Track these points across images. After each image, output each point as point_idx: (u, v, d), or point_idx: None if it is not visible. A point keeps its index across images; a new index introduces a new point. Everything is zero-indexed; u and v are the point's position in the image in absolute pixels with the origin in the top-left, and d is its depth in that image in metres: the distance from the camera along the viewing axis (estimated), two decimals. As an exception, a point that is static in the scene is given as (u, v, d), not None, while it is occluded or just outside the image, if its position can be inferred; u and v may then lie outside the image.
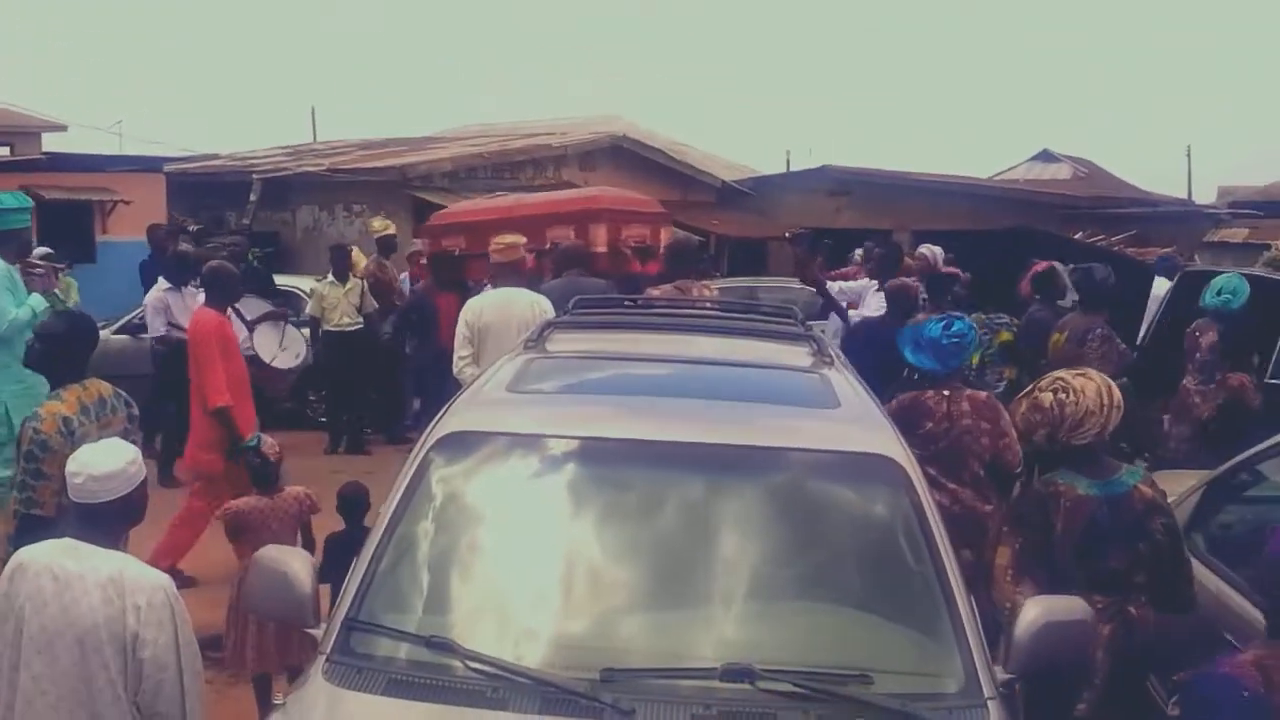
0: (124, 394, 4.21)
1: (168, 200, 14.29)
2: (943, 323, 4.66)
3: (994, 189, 20.56)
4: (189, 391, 6.42)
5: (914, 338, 4.71)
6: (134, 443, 3.47)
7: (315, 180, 15.55)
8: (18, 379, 5.96)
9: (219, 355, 6.18)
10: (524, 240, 7.37)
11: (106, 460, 2.97)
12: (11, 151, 18.39)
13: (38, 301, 6.50)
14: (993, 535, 3.80)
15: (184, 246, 9.68)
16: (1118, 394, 3.61)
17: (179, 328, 8.12)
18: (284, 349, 8.09)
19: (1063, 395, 3.58)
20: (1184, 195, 25.91)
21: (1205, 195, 26.33)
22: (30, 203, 7.24)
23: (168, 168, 15.51)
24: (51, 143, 20.73)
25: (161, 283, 8.58)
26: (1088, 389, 3.58)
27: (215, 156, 19.47)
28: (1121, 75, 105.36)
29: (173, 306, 8.39)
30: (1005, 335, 6.54)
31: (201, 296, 7.84)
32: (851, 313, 7.86)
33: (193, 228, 9.86)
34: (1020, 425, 3.72)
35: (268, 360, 7.82)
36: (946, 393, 4.61)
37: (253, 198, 15.40)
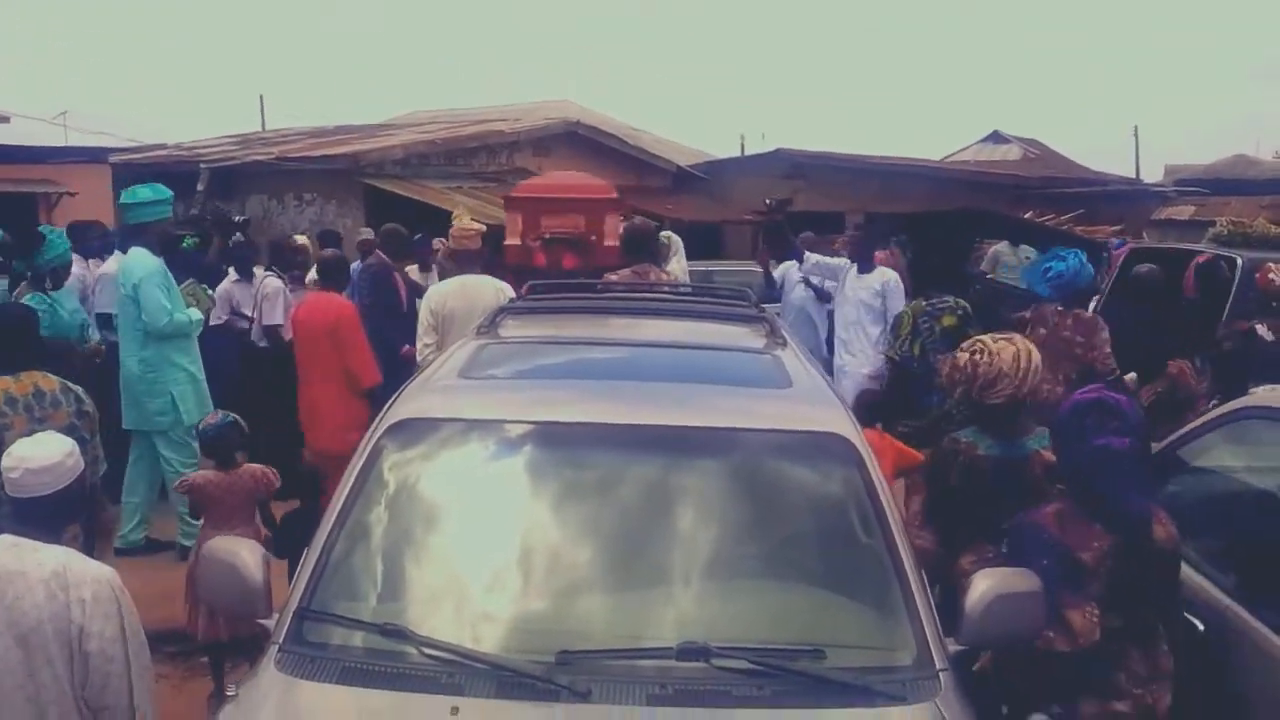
0: (76, 390, 4.15)
1: (114, 192, 14.07)
2: (1048, 265, 6.23)
3: (946, 170, 20.74)
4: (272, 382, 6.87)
5: (1032, 274, 6.34)
6: (84, 439, 3.43)
7: (265, 169, 15.37)
8: (184, 370, 6.58)
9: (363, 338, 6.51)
10: (485, 229, 7.35)
11: (43, 453, 2.92)
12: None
13: (196, 315, 6.87)
14: (912, 483, 3.99)
15: (237, 237, 9.37)
16: (1036, 359, 3.73)
17: (244, 317, 8.25)
18: None
19: (978, 356, 3.73)
20: (1132, 174, 26.26)
21: (1153, 174, 26.72)
22: (169, 194, 7.02)
23: (114, 158, 15.28)
24: (-7, 134, 20.32)
25: (231, 274, 8.52)
26: (1004, 352, 3.70)
27: (162, 146, 19.15)
28: (1070, 56, 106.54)
29: (238, 297, 8.38)
30: (949, 320, 6.55)
31: (265, 283, 8.10)
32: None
33: (239, 218, 9.62)
34: (945, 383, 3.89)
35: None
36: (1059, 309, 6.12)
37: (200, 188, 15.15)
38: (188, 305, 6.96)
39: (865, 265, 7.92)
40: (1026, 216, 14.29)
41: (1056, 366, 5.77)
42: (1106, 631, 3.03)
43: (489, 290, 6.32)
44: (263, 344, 7.88)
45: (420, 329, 6.32)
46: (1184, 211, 19.44)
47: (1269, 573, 3.41)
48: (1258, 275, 6.59)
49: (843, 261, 8.18)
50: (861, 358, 7.73)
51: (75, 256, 7.76)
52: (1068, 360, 5.91)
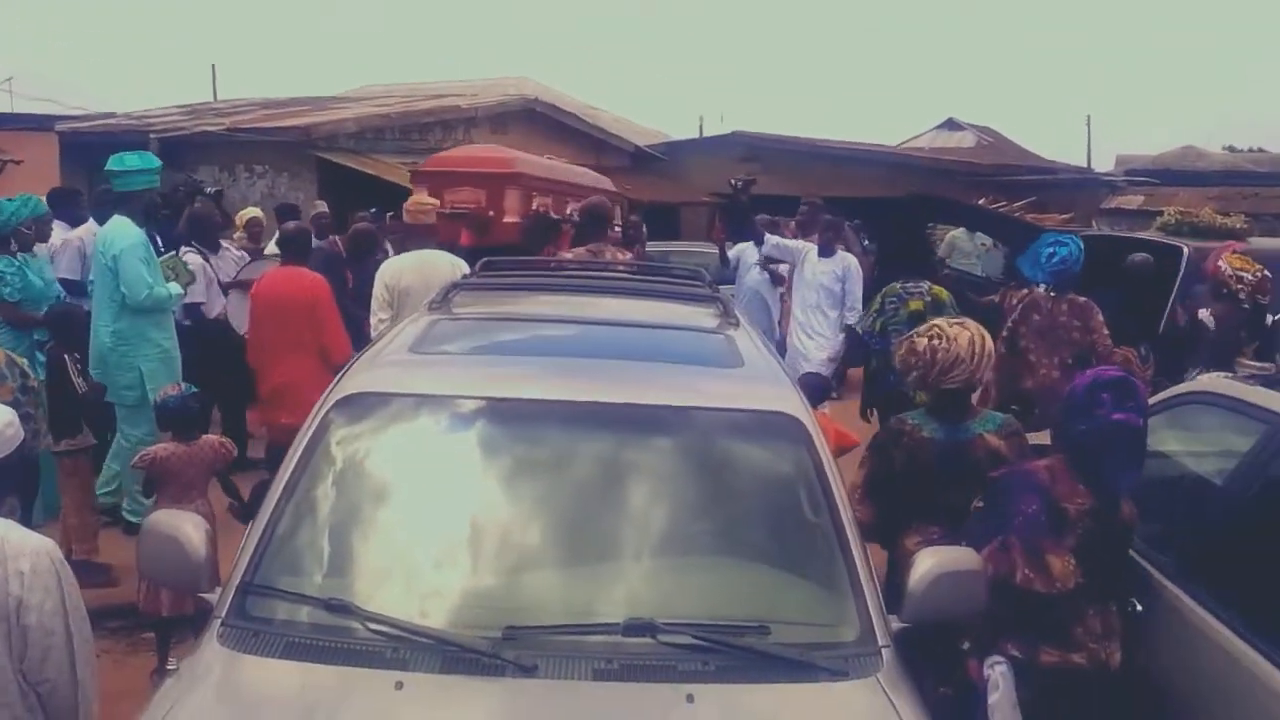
0: (21, 365, 4.08)
1: (61, 160, 13.77)
2: (1049, 250, 6.23)
3: (901, 156, 20.90)
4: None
5: (1030, 258, 6.37)
6: (26, 415, 3.39)
7: (215, 140, 15.10)
8: (158, 345, 6.44)
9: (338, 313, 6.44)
10: (438, 203, 7.28)
11: None
12: (-109, 108, 17.51)
13: (176, 289, 6.73)
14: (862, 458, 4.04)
15: (254, 214, 9.20)
16: (989, 344, 3.82)
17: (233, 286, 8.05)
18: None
19: (936, 341, 3.78)
20: (1084, 163, 26.60)
21: (1104, 164, 27.09)
22: (158, 163, 6.85)
23: (60, 127, 14.91)
24: (-66, 100, 19.79)
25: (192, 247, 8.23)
26: (961, 337, 3.76)
27: (111, 115, 18.75)
28: (1025, 45, 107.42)
29: (208, 270, 8.12)
30: (915, 304, 6.73)
31: (232, 257, 8.00)
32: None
33: (211, 189, 9.34)
34: (898, 365, 3.92)
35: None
36: (1053, 294, 6.11)
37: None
38: (167, 279, 6.83)
39: (826, 250, 7.99)
40: (980, 203, 14.44)
41: (1054, 351, 6.01)
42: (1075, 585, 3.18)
43: (444, 266, 6.29)
44: (187, 323, 7.61)
45: (375, 304, 6.26)
46: (1133, 201, 19.73)
47: (1204, 555, 3.50)
48: (1207, 263, 6.71)
49: (802, 244, 8.26)
50: (820, 340, 7.81)
51: (58, 225, 7.60)
52: (1065, 345, 6.06)
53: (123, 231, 6.38)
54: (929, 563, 2.76)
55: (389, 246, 8.00)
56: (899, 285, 6.72)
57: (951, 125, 27.60)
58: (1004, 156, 22.97)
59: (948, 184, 16.58)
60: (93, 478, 5.88)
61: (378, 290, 6.27)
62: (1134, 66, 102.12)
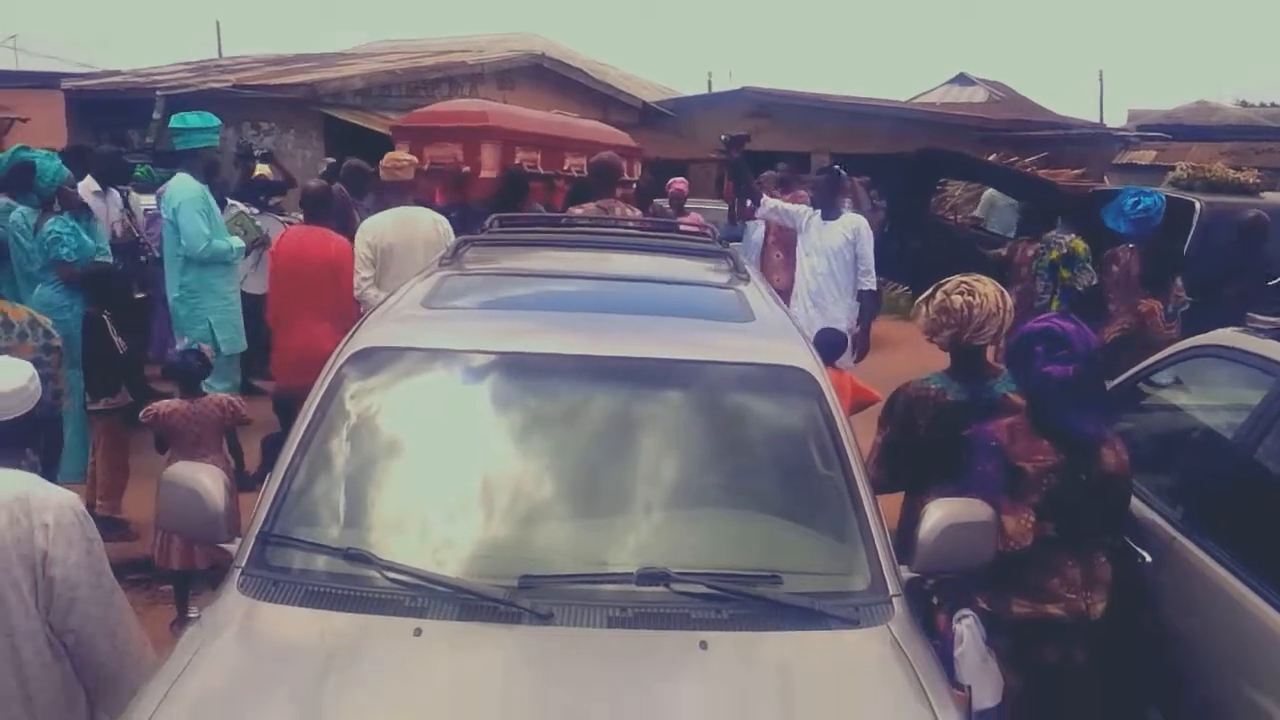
0: (45, 325, 4.10)
1: (67, 118, 13.74)
2: (1133, 199, 6.64)
3: (912, 112, 20.72)
4: None
5: (1115, 210, 6.75)
6: (47, 375, 3.43)
7: (222, 97, 14.99)
8: (224, 297, 6.62)
9: None
10: (415, 159, 7.25)
11: (8, 378, 2.89)
12: (-102, 66, 17.46)
13: (238, 243, 6.84)
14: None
15: (262, 170, 9.13)
16: (1009, 300, 3.78)
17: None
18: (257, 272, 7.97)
19: (969, 298, 3.70)
20: (1096, 119, 26.37)
21: (1116, 119, 26.86)
22: (217, 121, 6.95)
23: (66, 84, 14.87)
24: (-61, 58, 19.74)
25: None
26: (989, 293, 3.71)
27: (117, 73, 18.66)
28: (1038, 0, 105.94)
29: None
30: (1054, 254, 7.13)
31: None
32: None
33: (259, 150, 9.32)
34: (925, 327, 3.83)
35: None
36: (1131, 246, 6.59)
37: (156, 116, 14.79)
38: (233, 234, 6.88)
39: (830, 212, 7.43)
40: (991, 159, 14.34)
41: (1129, 301, 6.28)
42: (1042, 539, 3.22)
43: (426, 222, 6.27)
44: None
45: (357, 262, 6.20)
46: (1146, 156, 19.60)
47: (1214, 508, 3.52)
48: None
49: (802, 208, 7.69)
50: (836, 310, 7.24)
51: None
52: (1139, 295, 6.31)
53: (182, 186, 6.51)
54: (939, 514, 2.79)
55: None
56: (1052, 233, 7.04)
57: (963, 80, 27.34)
58: (1016, 112, 22.76)
59: (959, 139, 16.46)
60: (127, 437, 5.93)
61: (359, 249, 6.20)
62: (1147, 21, 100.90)
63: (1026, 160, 15.85)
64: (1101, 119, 27.06)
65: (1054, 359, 3.23)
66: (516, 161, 8.72)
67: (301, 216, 7.21)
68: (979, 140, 17.37)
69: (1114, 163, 19.46)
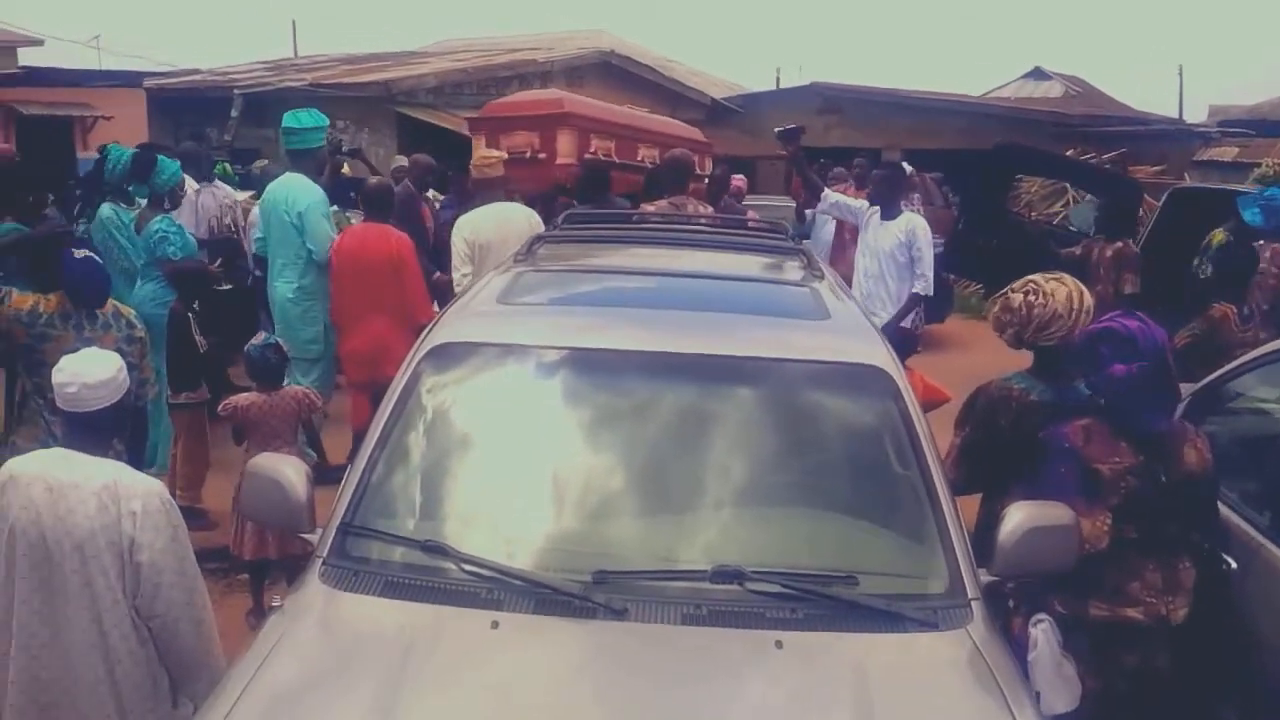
0: (128, 315, 4.21)
1: (148, 116, 14.10)
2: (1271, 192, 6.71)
3: (985, 106, 20.39)
4: None
5: (1247, 201, 6.73)
6: (130, 365, 3.53)
7: (298, 96, 15.26)
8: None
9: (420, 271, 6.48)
10: (506, 156, 7.29)
11: (97, 368, 2.98)
12: (-12, 66, 18.03)
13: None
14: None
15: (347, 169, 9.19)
16: (1089, 300, 3.67)
17: None
18: None
19: (1032, 297, 3.64)
20: (1175, 115, 25.74)
21: (1196, 115, 26.18)
22: (325, 120, 7.07)
23: (148, 83, 15.26)
24: (28, 57, 20.31)
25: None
26: (1058, 293, 3.62)
27: (196, 71, 19.12)
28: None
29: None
30: (1218, 236, 6.99)
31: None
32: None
33: (347, 148, 9.32)
34: (993, 325, 3.79)
35: None
36: (1260, 242, 6.49)
37: (234, 114, 15.16)
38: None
39: (889, 210, 6.98)
40: (1068, 154, 14.07)
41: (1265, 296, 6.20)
42: (1121, 542, 3.16)
43: (520, 218, 6.32)
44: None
45: (455, 259, 6.29)
46: (1227, 153, 19.03)
47: None
48: None
49: (863, 204, 7.33)
50: (886, 315, 6.66)
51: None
52: (1267, 291, 6.22)
53: (305, 189, 6.57)
54: (1019, 516, 2.74)
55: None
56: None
57: (1038, 75, 26.88)
58: (1092, 107, 22.32)
59: (1034, 135, 16.14)
60: (206, 430, 6.07)
61: (457, 245, 6.29)
62: (1229, 15, 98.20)
63: (1104, 157, 15.55)
64: (1181, 114, 26.42)
65: (1121, 358, 3.18)
66: (592, 150, 8.71)
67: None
68: (1054, 136, 17.04)
69: (1194, 159, 18.96)
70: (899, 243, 6.83)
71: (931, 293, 7.06)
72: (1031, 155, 11.30)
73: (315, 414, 5.21)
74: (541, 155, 8.10)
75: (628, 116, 10.47)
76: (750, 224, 5.92)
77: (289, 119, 6.87)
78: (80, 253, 4.23)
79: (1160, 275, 7.29)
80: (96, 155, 7.27)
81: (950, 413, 3.96)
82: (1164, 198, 9.07)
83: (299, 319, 6.63)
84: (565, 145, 8.09)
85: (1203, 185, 11.02)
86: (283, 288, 6.63)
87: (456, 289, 6.11)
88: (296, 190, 6.57)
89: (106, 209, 6.60)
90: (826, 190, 7.44)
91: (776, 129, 7.27)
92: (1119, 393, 3.20)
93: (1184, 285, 7.01)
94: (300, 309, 6.64)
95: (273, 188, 6.85)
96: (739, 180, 10.74)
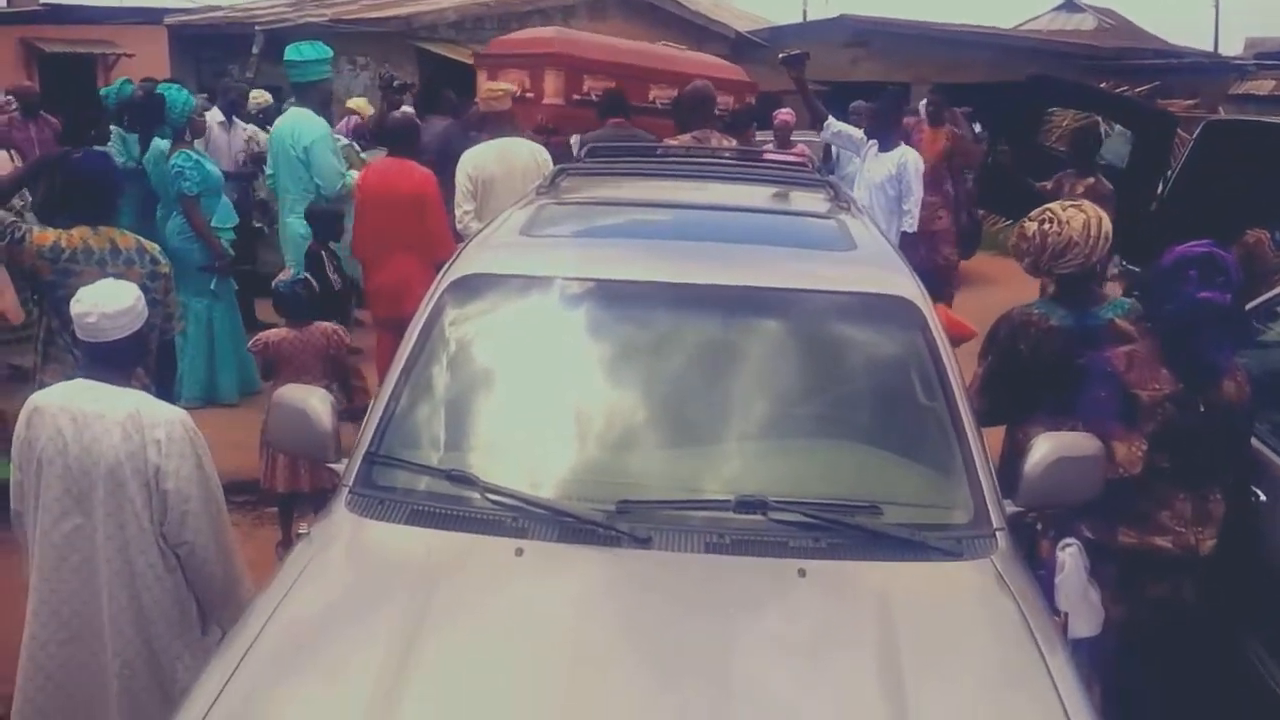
0: (152, 251, 4.22)
1: (170, 53, 14.03)
2: None
3: (1016, 39, 19.99)
4: None
5: None
6: (154, 300, 3.54)
7: (318, 32, 15.09)
8: (346, 231, 6.59)
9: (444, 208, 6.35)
10: (515, 89, 7.19)
11: (116, 298, 2.98)
12: (9, 3, 17.94)
13: (352, 176, 6.80)
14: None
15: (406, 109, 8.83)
16: (1107, 226, 3.62)
17: None
18: None
19: (1047, 225, 3.61)
20: (1210, 49, 25.16)
21: (1233, 48, 25.58)
22: (330, 52, 6.94)
23: (169, 20, 15.16)
24: (49, -7, 20.24)
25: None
26: (1075, 220, 3.58)
27: (217, 8, 18.93)
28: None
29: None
30: None
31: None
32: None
33: (398, 83, 9.05)
34: (1012, 252, 3.74)
35: None
36: None
37: (255, 50, 15.03)
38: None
39: (886, 143, 6.90)
40: (1101, 87, 13.78)
41: None
42: (1153, 470, 3.15)
43: (525, 153, 6.23)
44: None
45: (458, 195, 6.19)
46: (1263, 86, 18.59)
47: None
48: None
49: (861, 134, 7.23)
50: None
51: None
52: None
53: (310, 123, 6.51)
54: (1046, 447, 2.72)
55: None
56: None
57: (1070, 7, 26.30)
58: (1125, 40, 21.83)
59: (1065, 68, 15.80)
60: None
61: (460, 181, 6.18)
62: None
63: (1136, 90, 15.24)
64: (1216, 47, 25.82)
65: (1211, 285, 3.11)
66: (585, 90, 8.56)
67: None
68: (1086, 69, 16.69)
69: (1230, 93, 18.55)
70: (889, 175, 6.77)
71: (915, 229, 6.94)
72: (1063, 87, 11.05)
73: (347, 353, 5.23)
74: (530, 95, 7.98)
75: (637, 55, 10.27)
76: (785, 157, 5.82)
77: (290, 52, 6.77)
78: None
79: (1194, 208, 7.16)
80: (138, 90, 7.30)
81: (977, 348, 3.94)
82: (1198, 130, 8.87)
83: (311, 254, 6.64)
84: (551, 85, 7.98)
85: (1239, 118, 10.78)
86: (294, 223, 6.61)
87: (458, 225, 6.08)
88: (301, 125, 6.51)
89: (156, 144, 6.62)
90: (830, 119, 7.34)
91: (780, 54, 7.14)
92: (1204, 321, 3.13)
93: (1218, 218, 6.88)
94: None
95: (279, 123, 6.83)
96: (786, 114, 10.51)
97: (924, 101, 9.81)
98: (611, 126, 7.21)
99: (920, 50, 17.98)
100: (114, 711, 2.98)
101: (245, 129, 8.63)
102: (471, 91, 10.30)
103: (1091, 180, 7.32)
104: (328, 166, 6.45)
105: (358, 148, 8.27)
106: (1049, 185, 7.59)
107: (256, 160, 8.13)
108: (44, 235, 4.05)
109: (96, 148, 6.33)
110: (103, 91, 6.96)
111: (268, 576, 2.46)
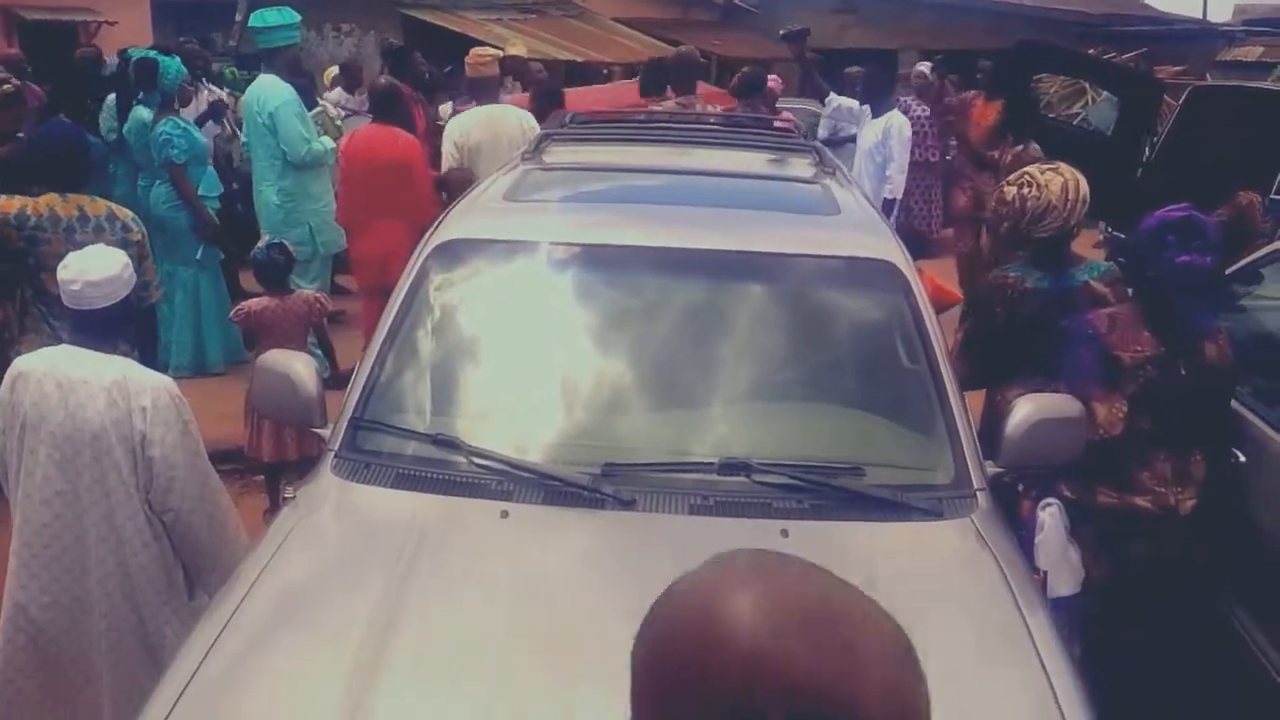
0: (124, 218, 4.18)
1: (153, 21, 13.86)
2: None
3: (1006, 6, 19.87)
4: None
5: None
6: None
7: (303, -1, 15.03)
8: (320, 199, 6.61)
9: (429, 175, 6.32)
10: (501, 54, 7.18)
11: (101, 265, 2.97)
12: (-13, -30, 17.69)
13: (328, 143, 6.78)
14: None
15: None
16: (1084, 189, 3.63)
17: None
18: None
19: (1026, 189, 3.62)
20: (1199, 16, 25.07)
21: (1222, 14, 25.51)
22: (297, 17, 6.89)
23: (151, -13, 14.94)
24: (28, -39, 19.93)
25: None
26: (1053, 184, 3.59)
27: (199, -26, 18.71)
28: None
29: None
30: None
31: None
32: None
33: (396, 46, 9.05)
34: (990, 217, 3.75)
35: None
36: None
37: (238, 18, 14.86)
38: (319, 134, 6.94)
39: (878, 109, 7.00)
40: (1090, 53, 13.75)
41: None
42: (1134, 431, 3.16)
43: (513, 120, 6.21)
44: None
45: (445, 162, 6.20)
46: (1251, 52, 18.57)
47: None
48: None
49: (855, 104, 7.41)
50: None
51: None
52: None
53: (274, 90, 6.45)
54: (1028, 408, 2.75)
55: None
56: None
57: (1059, -27, 26.12)
58: (1115, 6, 21.75)
59: (1056, 35, 15.76)
60: None
61: (446, 148, 6.17)
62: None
63: (1125, 56, 15.20)
64: (1204, 14, 25.72)
65: (1189, 249, 3.11)
66: None
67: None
68: (1075, 35, 16.68)
69: (1217, 59, 18.54)
70: (876, 141, 6.86)
71: (899, 195, 6.95)
72: (1051, 52, 11.02)
73: (326, 318, 5.23)
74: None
75: None
76: (762, 122, 5.82)
77: (255, 18, 6.74)
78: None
79: (1181, 173, 7.17)
80: (117, 59, 7.22)
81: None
82: (1184, 96, 8.87)
83: (284, 221, 6.57)
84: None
85: (1224, 84, 10.78)
86: (266, 191, 6.58)
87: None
88: (267, 92, 6.46)
89: (142, 111, 6.56)
90: (831, 94, 7.37)
91: (781, 30, 7.18)
92: (1185, 284, 3.14)
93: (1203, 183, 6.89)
94: (284, 211, 6.59)
95: (248, 91, 6.78)
96: (774, 81, 10.52)
97: (852, 67, 9.66)
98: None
99: (909, 16, 17.93)
100: (101, 675, 3.00)
101: (215, 92, 8.51)
102: (457, 57, 10.25)
103: (1020, 148, 7.32)
104: (293, 132, 6.40)
105: (334, 114, 8.19)
106: (996, 155, 7.60)
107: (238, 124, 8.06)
108: (9, 203, 4.02)
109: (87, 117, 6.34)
110: (128, 54, 6.84)
111: (254, 543, 2.47)
